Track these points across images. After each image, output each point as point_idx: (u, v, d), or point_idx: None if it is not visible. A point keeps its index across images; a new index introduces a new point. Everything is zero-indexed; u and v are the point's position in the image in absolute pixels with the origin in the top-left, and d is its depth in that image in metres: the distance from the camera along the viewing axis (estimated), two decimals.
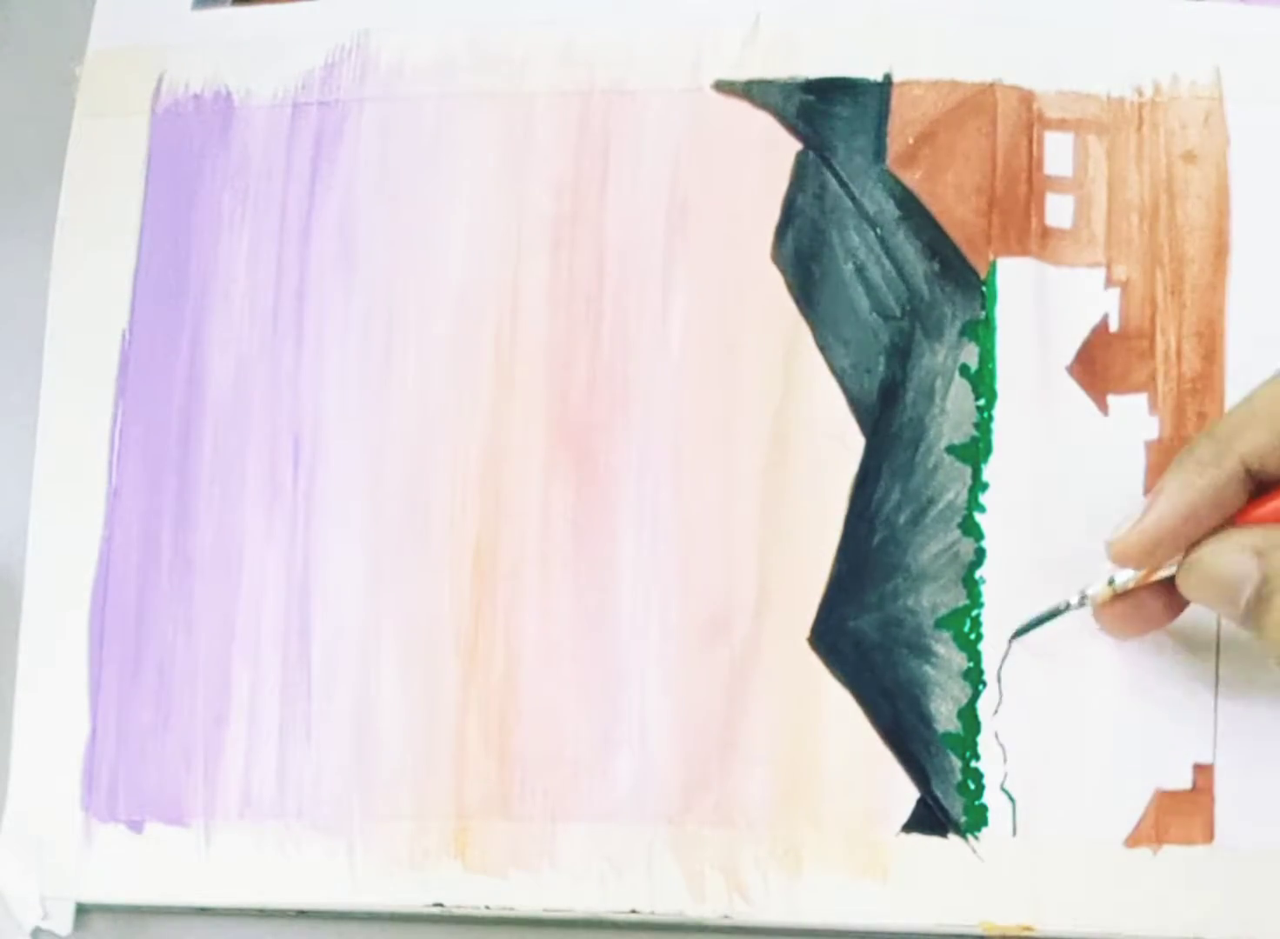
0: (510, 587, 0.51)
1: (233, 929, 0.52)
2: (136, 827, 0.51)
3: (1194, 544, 0.45)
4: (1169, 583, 0.46)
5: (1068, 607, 0.48)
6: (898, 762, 0.49)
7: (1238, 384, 0.50)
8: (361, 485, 0.52)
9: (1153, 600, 0.47)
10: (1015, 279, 0.51)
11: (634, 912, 0.49)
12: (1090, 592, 0.48)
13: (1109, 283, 0.51)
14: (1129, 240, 0.51)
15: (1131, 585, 0.47)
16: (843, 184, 0.52)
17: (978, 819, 0.49)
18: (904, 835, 0.49)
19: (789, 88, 0.53)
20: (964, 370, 0.51)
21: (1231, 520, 0.45)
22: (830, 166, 0.52)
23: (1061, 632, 0.49)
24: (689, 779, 0.50)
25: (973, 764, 0.49)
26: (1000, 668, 0.49)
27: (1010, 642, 0.49)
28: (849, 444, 0.51)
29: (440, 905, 0.50)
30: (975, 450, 0.50)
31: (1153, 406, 0.50)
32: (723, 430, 0.51)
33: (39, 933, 0.52)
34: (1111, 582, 0.47)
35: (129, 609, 0.52)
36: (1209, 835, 0.48)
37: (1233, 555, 0.44)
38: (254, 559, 0.52)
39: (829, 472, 0.51)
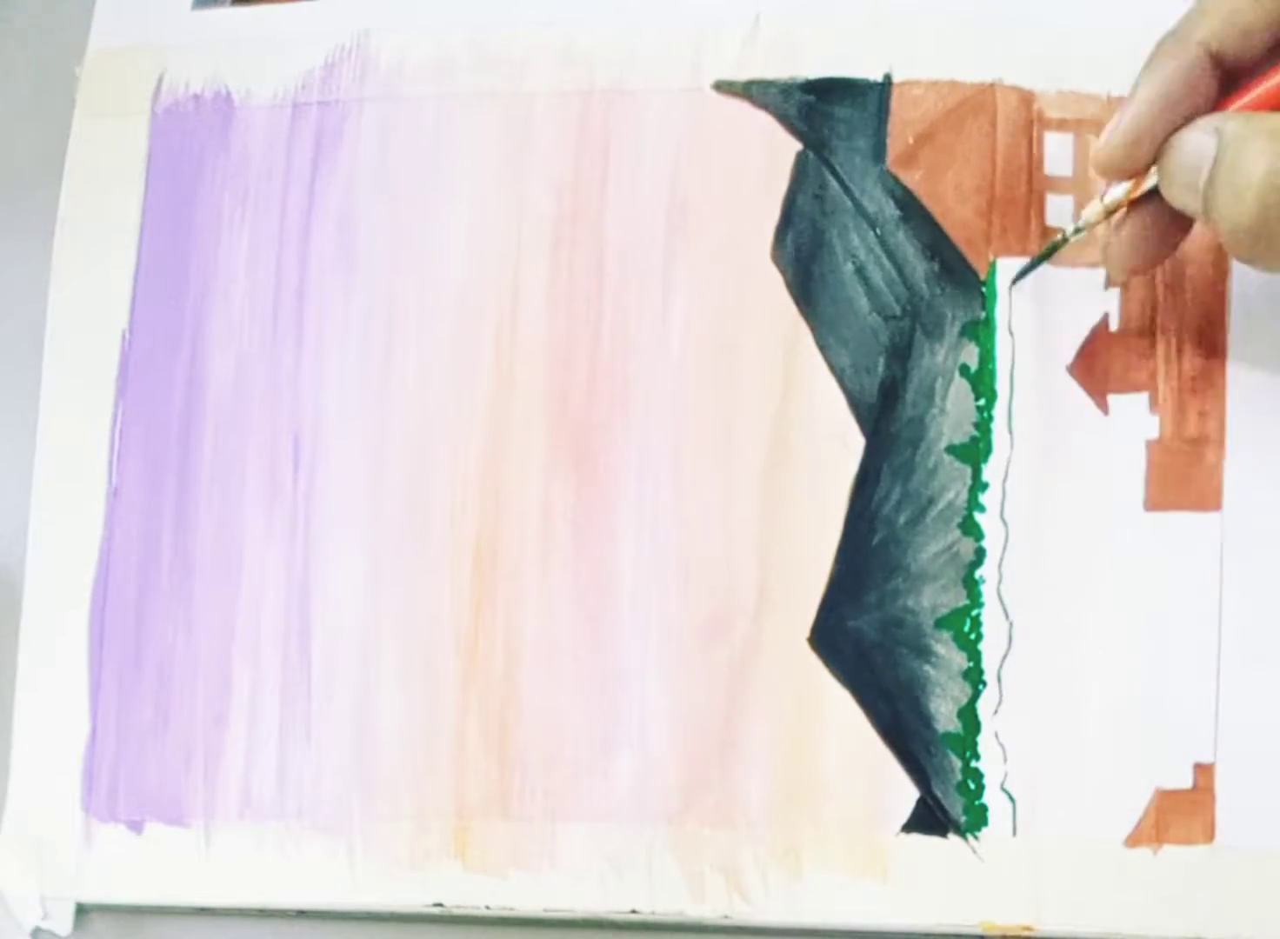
0: (510, 587, 0.51)
1: (233, 929, 0.52)
2: (136, 827, 0.51)
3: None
4: (1161, 203, 0.46)
5: (1064, 239, 0.49)
6: (898, 762, 0.49)
7: (1238, 384, 0.50)
8: (361, 485, 0.52)
9: (1152, 220, 0.47)
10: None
11: (634, 912, 0.49)
12: (1085, 215, 0.48)
13: (1109, 283, 0.51)
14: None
15: (1122, 197, 0.47)
16: (843, 184, 0.52)
17: (978, 819, 0.49)
18: (904, 835, 0.49)
19: (789, 88, 0.53)
20: (964, 370, 0.51)
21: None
22: (830, 166, 0.52)
23: (1067, 612, 0.49)
24: (689, 779, 0.50)
25: (973, 764, 0.49)
26: (1000, 667, 0.49)
27: (1010, 288, 0.50)
28: (849, 444, 0.51)
29: (440, 905, 0.50)
30: (975, 450, 0.50)
31: (1153, 406, 0.50)
32: (723, 430, 0.51)
33: (39, 933, 0.52)
34: (1102, 198, 0.47)
35: (129, 609, 0.52)
36: (1209, 835, 0.48)
37: (1194, 135, 0.44)
38: (254, 559, 0.52)
39: (829, 472, 0.51)
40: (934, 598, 0.50)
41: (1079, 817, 0.48)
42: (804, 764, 0.49)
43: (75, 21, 0.56)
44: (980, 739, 0.49)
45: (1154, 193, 0.46)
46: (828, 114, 0.52)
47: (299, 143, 0.54)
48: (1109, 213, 0.47)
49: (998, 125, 0.52)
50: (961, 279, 0.51)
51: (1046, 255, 0.49)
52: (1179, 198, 0.45)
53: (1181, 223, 0.47)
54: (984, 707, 0.49)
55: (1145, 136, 0.45)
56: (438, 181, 0.54)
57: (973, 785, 0.49)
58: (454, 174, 0.54)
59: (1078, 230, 0.48)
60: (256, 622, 0.52)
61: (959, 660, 0.49)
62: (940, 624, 0.50)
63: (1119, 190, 0.47)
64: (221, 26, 0.56)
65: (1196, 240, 0.50)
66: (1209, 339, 0.50)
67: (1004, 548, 0.50)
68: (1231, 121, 0.44)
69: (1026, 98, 0.52)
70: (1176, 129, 0.45)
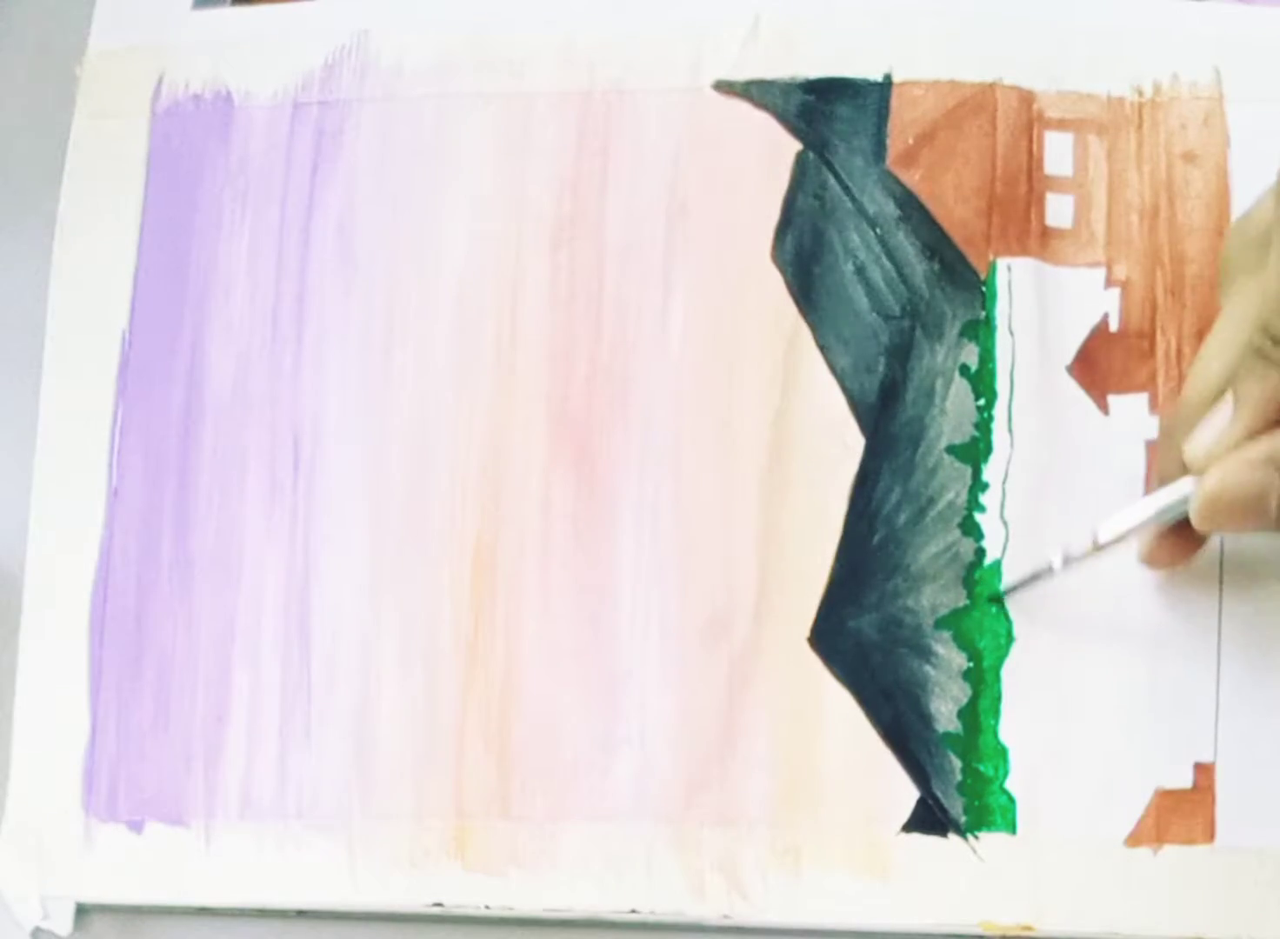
0: (510, 586, 0.51)
1: (233, 929, 0.52)
2: (136, 827, 0.51)
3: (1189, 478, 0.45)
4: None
5: (1050, 569, 0.48)
6: (898, 762, 0.49)
7: None
8: (361, 485, 0.52)
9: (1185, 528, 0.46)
10: (1015, 279, 0.51)
11: (634, 912, 0.49)
12: (1072, 552, 0.47)
13: (1109, 283, 0.51)
14: (1129, 240, 0.51)
15: (1114, 539, 0.47)
16: (843, 184, 0.52)
17: (978, 819, 0.49)
18: (904, 835, 0.49)
19: (789, 88, 0.53)
20: (964, 370, 0.51)
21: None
22: (830, 166, 0.52)
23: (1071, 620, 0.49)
24: (689, 779, 0.50)
25: (973, 764, 0.49)
26: (1000, 667, 0.49)
27: (990, 602, 0.49)
28: (849, 444, 0.51)
29: (440, 905, 0.50)
30: (975, 450, 0.50)
31: (1153, 406, 0.50)
32: (723, 430, 0.51)
33: (39, 933, 0.52)
34: (1095, 540, 0.47)
35: (129, 609, 0.52)
36: (1210, 835, 0.48)
37: (1249, 472, 0.44)
38: (254, 559, 0.52)
39: (829, 472, 0.51)
40: (934, 598, 0.50)
41: (1079, 817, 0.48)
42: (804, 764, 0.49)
43: (75, 21, 0.56)
44: (980, 739, 0.49)
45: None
46: (828, 114, 0.52)
47: (299, 143, 0.54)
48: (1098, 549, 0.47)
49: (998, 125, 0.52)
50: (962, 279, 0.51)
51: (1030, 580, 0.49)
52: (1241, 526, 0.44)
53: None
54: (984, 707, 0.49)
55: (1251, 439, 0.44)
56: (438, 182, 0.54)
57: (973, 785, 0.49)
58: (454, 174, 0.54)
59: (1065, 563, 0.48)
60: (256, 621, 0.52)
61: (959, 660, 0.49)
62: (940, 624, 0.50)
63: (1112, 533, 0.47)
64: (221, 26, 0.56)
65: (1196, 240, 0.50)
66: None
67: (1004, 548, 0.50)
68: None
69: (1026, 98, 0.52)
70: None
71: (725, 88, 0.53)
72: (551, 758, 0.50)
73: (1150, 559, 0.48)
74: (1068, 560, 0.48)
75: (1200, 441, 0.45)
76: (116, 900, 0.51)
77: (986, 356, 0.51)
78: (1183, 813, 0.48)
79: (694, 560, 0.51)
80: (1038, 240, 0.51)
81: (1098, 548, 0.47)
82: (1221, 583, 0.49)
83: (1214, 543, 0.49)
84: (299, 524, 0.52)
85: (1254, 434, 0.44)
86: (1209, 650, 0.49)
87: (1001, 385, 0.51)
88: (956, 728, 0.49)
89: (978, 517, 0.50)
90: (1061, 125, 0.52)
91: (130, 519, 0.53)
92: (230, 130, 0.55)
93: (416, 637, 0.51)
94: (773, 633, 0.50)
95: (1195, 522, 0.45)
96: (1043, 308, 0.51)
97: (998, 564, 0.50)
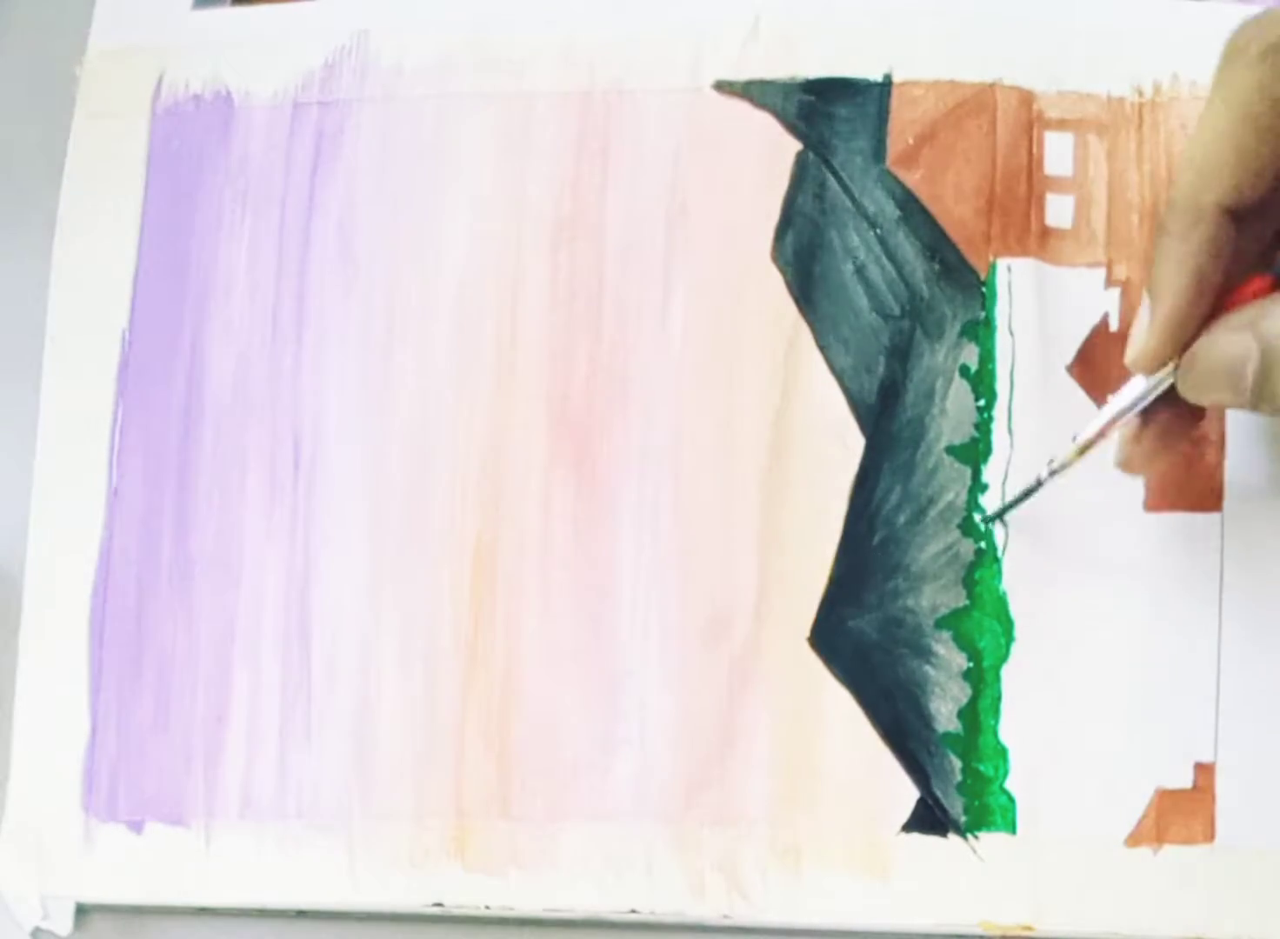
0: (510, 586, 0.51)
1: (233, 929, 0.52)
2: (136, 827, 0.51)
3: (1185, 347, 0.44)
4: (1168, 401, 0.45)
5: (1039, 483, 0.48)
6: (898, 762, 0.49)
7: None
8: (361, 485, 0.52)
9: (1170, 420, 0.46)
10: (1015, 279, 0.51)
11: (634, 912, 0.49)
12: (1057, 460, 0.47)
13: (1109, 283, 0.51)
14: (1129, 240, 0.51)
15: (1093, 437, 0.46)
16: (843, 184, 0.52)
17: (978, 819, 0.49)
18: (904, 835, 0.49)
19: (789, 88, 0.53)
20: (964, 371, 0.51)
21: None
22: (830, 166, 0.52)
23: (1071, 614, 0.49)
24: (689, 779, 0.50)
25: (973, 764, 0.49)
26: (1001, 667, 0.49)
27: (984, 523, 0.49)
28: (849, 444, 0.51)
29: (440, 905, 0.50)
30: (975, 451, 0.50)
31: None
32: (723, 430, 0.51)
33: (39, 933, 0.52)
34: (1075, 439, 0.47)
35: (129, 609, 0.52)
36: (1210, 835, 0.48)
37: (1227, 337, 0.43)
38: (254, 559, 0.52)
39: (829, 472, 0.51)
40: (934, 598, 0.50)
41: (1079, 817, 0.48)
42: (804, 764, 0.49)
43: (75, 21, 0.56)
44: (980, 739, 0.49)
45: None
46: (828, 114, 0.52)
47: (299, 143, 0.54)
48: (1082, 451, 0.47)
49: (998, 125, 0.52)
50: (961, 279, 0.51)
51: (1023, 498, 0.49)
52: (1218, 397, 0.44)
53: (1197, 410, 0.46)
54: (984, 707, 0.49)
55: (1187, 323, 0.44)
56: (438, 182, 0.54)
57: (973, 785, 0.49)
58: (454, 174, 0.54)
59: (1052, 473, 0.48)
60: (256, 622, 0.52)
61: (959, 660, 0.49)
62: (940, 624, 0.50)
63: (1092, 430, 0.47)
64: (221, 26, 0.56)
65: None
66: None
67: (1004, 548, 0.50)
68: (1267, 320, 0.43)
69: (1026, 98, 0.52)
70: (1212, 311, 0.44)
71: (725, 88, 0.53)
72: (551, 758, 0.50)
73: (1127, 462, 0.48)
74: (1054, 471, 0.48)
75: (1131, 342, 0.45)
76: (116, 900, 0.51)
77: (986, 357, 0.51)
78: (1183, 813, 0.48)
79: (694, 560, 0.51)
80: (1038, 240, 0.51)
81: (1080, 450, 0.47)
82: (1221, 583, 0.49)
83: (1214, 542, 0.49)
84: (299, 524, 0.52)
85: (1178, 313, 0.43)
86: (1209, 650, 0.49)
87: (1001, 386, 0.51)
88: (956, 728, 0.49)
89: (977, 517, 0.50)
90: (1061, 125, 0.52)
91: (130, 519, 0.53)
92: (230, 130, 0.55)
93: (416, 637, 0.51)
94: (773, 633, 0.50)
95: (1180, 389, 0.45)
96: (1043, 308, 0.51)
97: (998, 565, 0.50)
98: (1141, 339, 0.45)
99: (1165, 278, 0.44)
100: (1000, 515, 0.50)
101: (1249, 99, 0.42)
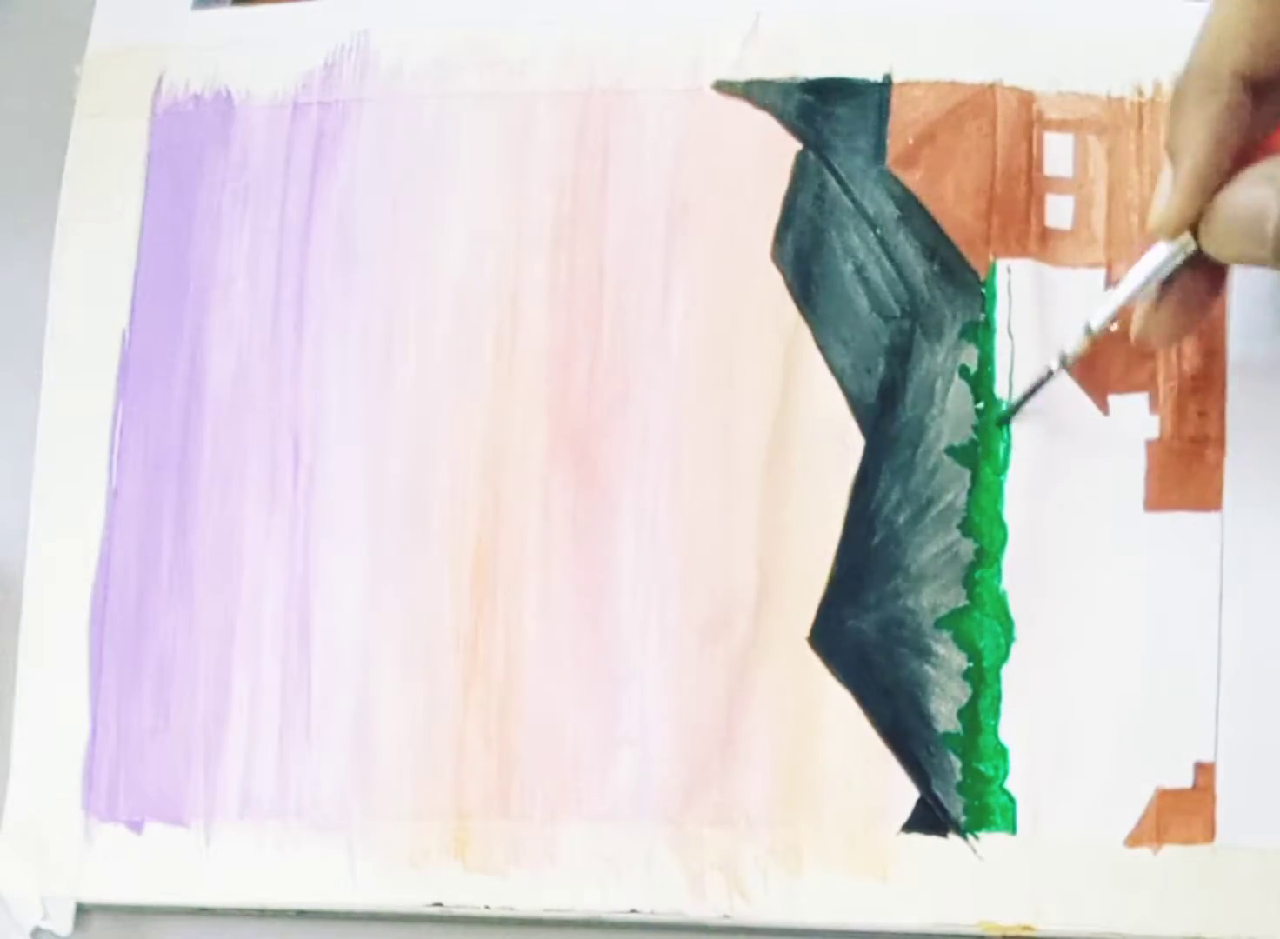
0: (510, 587, 0.51)
1: (233, 929, 0.52)
2: (136, 827, 0.51)
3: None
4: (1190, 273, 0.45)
5: (1049, 374, 0.48)
6: (898, 762, 0.49)
7: (1238, 384, 0.50)
8: (361, 485, 0.52)
9: (1189, 289, 0.46)
10: (1015, 280, 0.51)
11: (634, 912, 0.49)
12: (1068, 349, 0.47)
13: (1109, 283, 0.51)
14: (1129, 241, 0.51)
15: (1106, 324, 0.46)
16: (843, 184, 0.52)
17: (978, 819, 0.49)
18: (904, 835, 0.49)
19: (789, 88, 0.53)
20: (963, 371, 0.51)
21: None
22: (830, 166, 0.52)
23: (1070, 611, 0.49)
24: (689, 779, 0.50)
25: (973, 764, 0.49)
26: (1001, 667, 0.49)
27: (999, 425, 0.49)
28: (849, 444, 0.51)
29: (440, 905, 0.50)
30: (975, 452, 0.50)
31: (1153, 406, 0.50)
32: (723, 430, 0.51)
33: (39, 933, 0.52)
34: (1088, 329, 0.47)
35: (129, 609, 0.52)
36: (1210, 835, 0.48)
37: (1248, 190, 0.43)
38: (254, 559, 0.52)
39: (829, 471, 0.51)
40: (934, 598, 0.50)
41: (1079, 817, 0.48)
42: (804, 764, 0.49)
43: (75, 21, 0.56)
44: (980, 739, 0.49)
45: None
46: (828, 114, 0.52)
47: (299, 143, 0.54)
48: (1094, 341, 0.47)
49: (998, 126, 0.52)
50: (961, 280, 0.51)
51: (1033, 391, 0.49)
52: (1241, 252, 0.44)
53: (1216, 280, 0.46)
54: (984, 707, 0.49)
55: (1207, 186, 0.44)
56: (438, 181, 0.54)
57: (973, 785, 0.49)
58: (454, 174, 0.54)
59: (1063, 363, 0.48)
60: (256, 622, 0.52)
61: (959, 660, 0.49)
62: (940, 624, 0.50)
63: (1102, 316, 0.47)
64: (221, 26, 0.56)
65: None
66: (1209, 339, 0.50)
67: (1004, 547, 0.50)
68: None
69: (1026, 98, 0.52)
70: (1232, 174, 0.44)
71: (725, 88, 0.53)
72: (551, 758, 0.50)
73: (1144, 336, 0.47)
74: (1065, 361, 0.48)
75: (1153, 209, 0.45)
76: (116, 900, 0.51)
77: (986, 358, 0.51)
78: (1183, 813, 0.48)
79: (694, 560, 0.51)
80: (1037, 241, 0.51)
81: (1091, 337, 0.47)
82: (1221, 583, 0.49)
83: (1214, 542, 0.49)
84: (299, 524, 0.52)
85: (1198, 175, 0.44)
86: (1209, 650, 0.49)
87: (1001, 387, 0.51)
88: (956, 728, 0.49)
89: (977, 517, 0.50)
90: (1061, 126, 0.52)
91: (130, 519, 0.53)
92: (230, 130, 0.55)
93: (416, 637, 0.51)
94: (773, 633, 0.50)
95: (1203, 243, 0.45)
96: (1043, 308, 0.51)
97: (998, 565, 0.50)
98: (1162, 203, 0.45)
99: (1184, 141, 0.44)
100: (1013, 412, 0.50)
101: None
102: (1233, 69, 0.43)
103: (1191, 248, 0.45)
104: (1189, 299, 0.47)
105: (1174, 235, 0.45)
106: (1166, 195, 0.45)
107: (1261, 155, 0.44)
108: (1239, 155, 0.44)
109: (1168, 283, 0.46)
